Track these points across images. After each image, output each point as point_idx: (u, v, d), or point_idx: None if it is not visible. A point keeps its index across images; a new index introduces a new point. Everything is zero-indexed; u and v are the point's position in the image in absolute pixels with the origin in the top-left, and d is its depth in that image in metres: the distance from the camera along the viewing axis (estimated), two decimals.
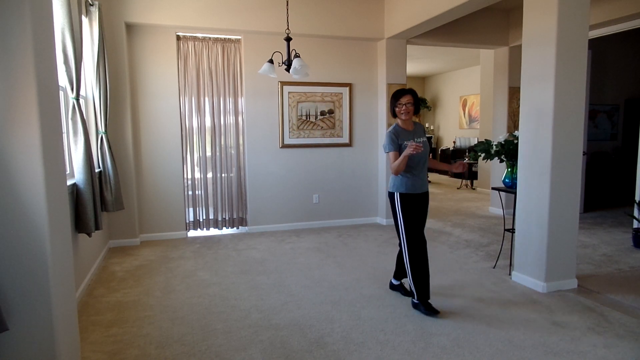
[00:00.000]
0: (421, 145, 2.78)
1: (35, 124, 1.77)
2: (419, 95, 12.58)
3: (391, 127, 3.01)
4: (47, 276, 1.84)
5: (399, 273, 3.29)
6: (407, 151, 2.75)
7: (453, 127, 11.90)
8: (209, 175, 5.34)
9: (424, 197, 3.04)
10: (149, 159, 5.04)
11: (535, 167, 3.37)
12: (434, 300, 3.07)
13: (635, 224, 4.80)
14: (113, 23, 4.55)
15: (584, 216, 6.03)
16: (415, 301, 3.00)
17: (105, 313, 3.01)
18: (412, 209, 2.96)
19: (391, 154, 2.93)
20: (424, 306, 2.94)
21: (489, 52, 7.33)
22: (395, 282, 3.35)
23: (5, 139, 1.74)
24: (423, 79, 13.06)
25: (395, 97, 2.95)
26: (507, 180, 3.82)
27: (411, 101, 2.92)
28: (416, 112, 2.97)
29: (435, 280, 3.61)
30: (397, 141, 2.93)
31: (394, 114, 3.01)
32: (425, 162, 3.00)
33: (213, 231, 5.47)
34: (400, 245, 3.06)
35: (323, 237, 5.17)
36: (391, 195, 3.03)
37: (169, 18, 4.74)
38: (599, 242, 4.76)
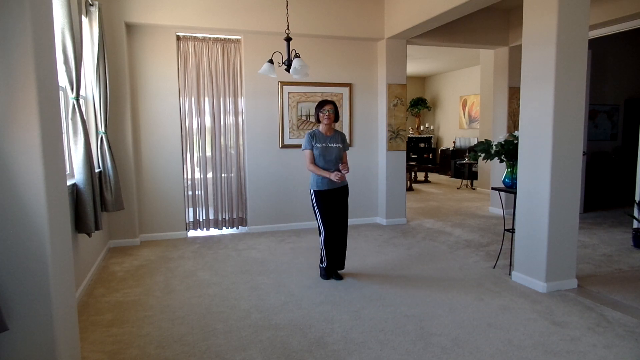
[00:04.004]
0: (340, 175, 3.39)
1: (35, 124, 1.77)
2: (419, 95, 12.73)
3: (311, 130, 3.61)
4: (47, 276, 1.84)
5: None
6: (331, 176, 3.38)
7: (453, 127, 11.90)
8: (209, 175, 5.34)
9: (339, 192, 3.59)
10: (149, 159, 5.04)
11: (535, 167, 3.37)
12: (432, 300, 3.13)
13: (635, 224, 4.80)
14: (113, 23, 4.55)
15: (584, 216, 6.03)
16: (322, 266, 3.66)
17: (105, 313, 3.01)
18: (326, 202, 3.54)
19: (306, 152, 3.55)
20: (327, 273, 3.63)
21: (489, 52, 7.33)
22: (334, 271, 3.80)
23: (5, 139, 1.74)
24: (423, 79, 13.06)
25: (320, 106, 3.56)
26: (507, 180, 3.82)
27: (332, 109, 3.53)
28: (336, 120, 3.58)
29: (435, 279, 3.63)
30: (311, 142, 3.53)
31: (318, 120, 3.59)
32: (337, 163, 3.56)
33: (213, 231, 5.47)
34: (319, 233, 3.62)
35: None
36: (310, 192, 3.61)
37: (169, 18, 4.75)
38: (599, 242, 4.76)
